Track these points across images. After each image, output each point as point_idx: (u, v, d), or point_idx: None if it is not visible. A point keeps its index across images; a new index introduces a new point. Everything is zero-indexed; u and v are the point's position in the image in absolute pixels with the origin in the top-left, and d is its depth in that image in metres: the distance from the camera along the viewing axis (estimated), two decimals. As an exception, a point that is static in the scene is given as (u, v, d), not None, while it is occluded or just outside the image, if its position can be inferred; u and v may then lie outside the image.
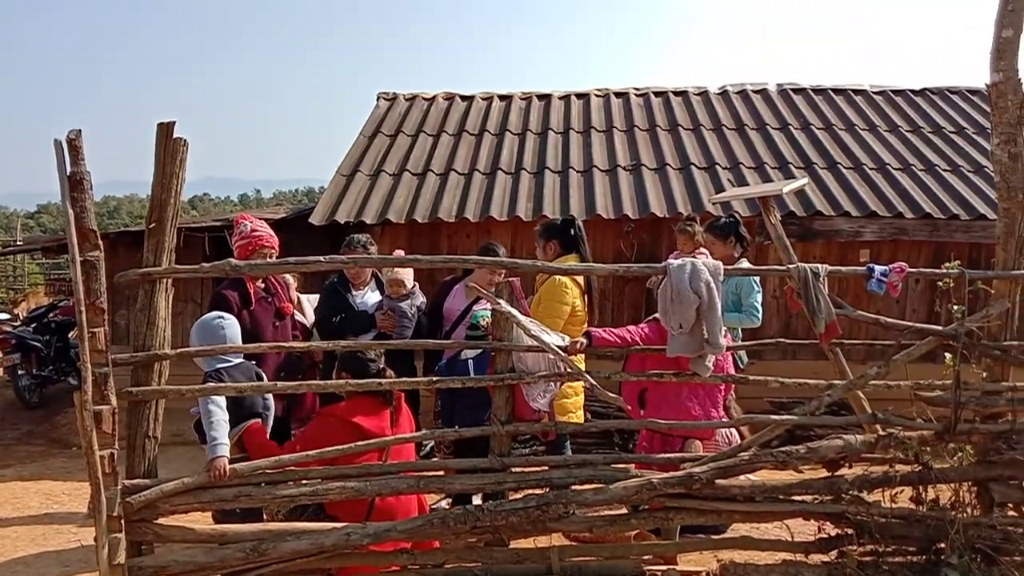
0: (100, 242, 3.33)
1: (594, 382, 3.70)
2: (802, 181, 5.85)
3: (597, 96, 10.35)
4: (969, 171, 8.36)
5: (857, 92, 10.31)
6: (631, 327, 4.02)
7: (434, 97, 10.33)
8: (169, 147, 3.48)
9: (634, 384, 4.11)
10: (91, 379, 3.21)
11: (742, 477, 3.87)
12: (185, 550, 3.60)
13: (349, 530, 3.58)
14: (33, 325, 9.89)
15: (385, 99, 10.22)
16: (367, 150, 8.88)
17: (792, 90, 10.31)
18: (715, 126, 9.37)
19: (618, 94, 10.39)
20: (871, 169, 8.36)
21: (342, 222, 7.35)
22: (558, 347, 3.68)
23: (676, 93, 10.34)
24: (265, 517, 4.01)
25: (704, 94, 10.31)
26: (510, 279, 3.97)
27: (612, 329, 3.98)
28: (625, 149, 8.87)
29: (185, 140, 3.51)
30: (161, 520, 3.55)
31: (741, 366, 5.06)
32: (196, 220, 10.28)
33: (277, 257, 4.47)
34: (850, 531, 3.77)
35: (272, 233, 4.57)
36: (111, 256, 3.34)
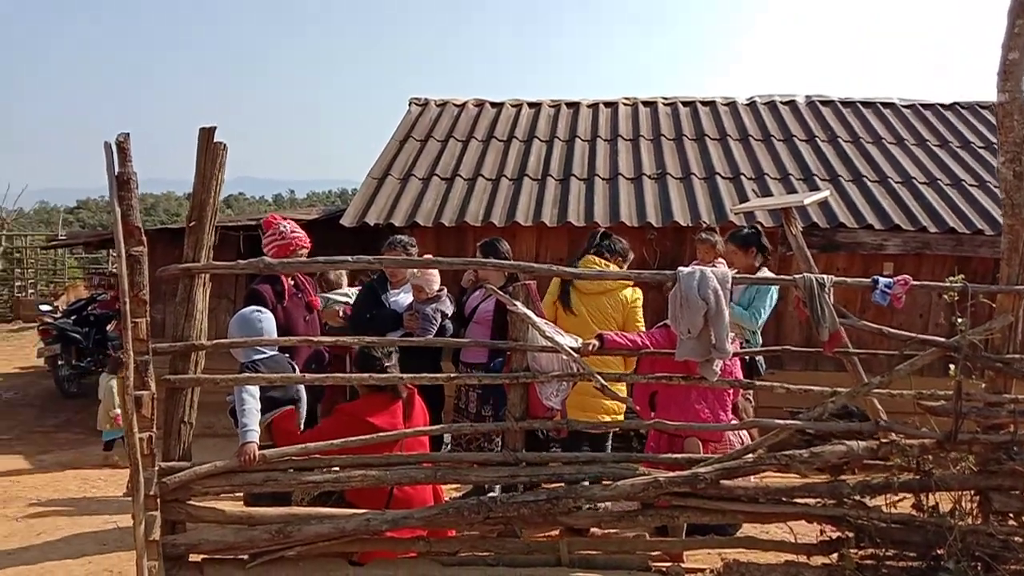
0: (144, 238, 3.56)
1: (605, 383, 3.85)
2: (823, 193, 5.92)
3: (625, 105, 10.46)
4: (996, 186, 8.31)
5: (886, 105, 10.29)
6: (642, 331, 4.16)
7: (464, 103, 10.50)
8: (210, 151, 3.71)
9: (644, 386, 4.25)
10: (133, 366, 3.44)
11: (752, 478, 3.99)
12: (216, 530, 3.81)
13: (369, 516, 3.77)
14: (73, 317, 10.12)
15: (417, 104, 10.41)
16: (398, 154, 9.07)
17: (820, 102, 10.33)
18: (742, 136, 9.43)
19: (646, 103, 10.49)
20: (896, 183, 8.37)
21: (372, 224, 7.56)
22: (571, 348, 3.84)
23: (704, 103, 10.41)
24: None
25: (732, 105, 10.36)
26: (527, 282, 4.12)
27: (624, 332, 4.12)
28: (651, 158, 8.97)
29: (225, 144, 3.73)
30: (194, 501, 3.77)
31: (761, 373, 5.14)
32: (231, 219, 10.48)
33: (308, 256, 4.70)
34: (851, 534, 3.87)
35: (305, 235, 4.80)
36: (150, 252, 3.57)
